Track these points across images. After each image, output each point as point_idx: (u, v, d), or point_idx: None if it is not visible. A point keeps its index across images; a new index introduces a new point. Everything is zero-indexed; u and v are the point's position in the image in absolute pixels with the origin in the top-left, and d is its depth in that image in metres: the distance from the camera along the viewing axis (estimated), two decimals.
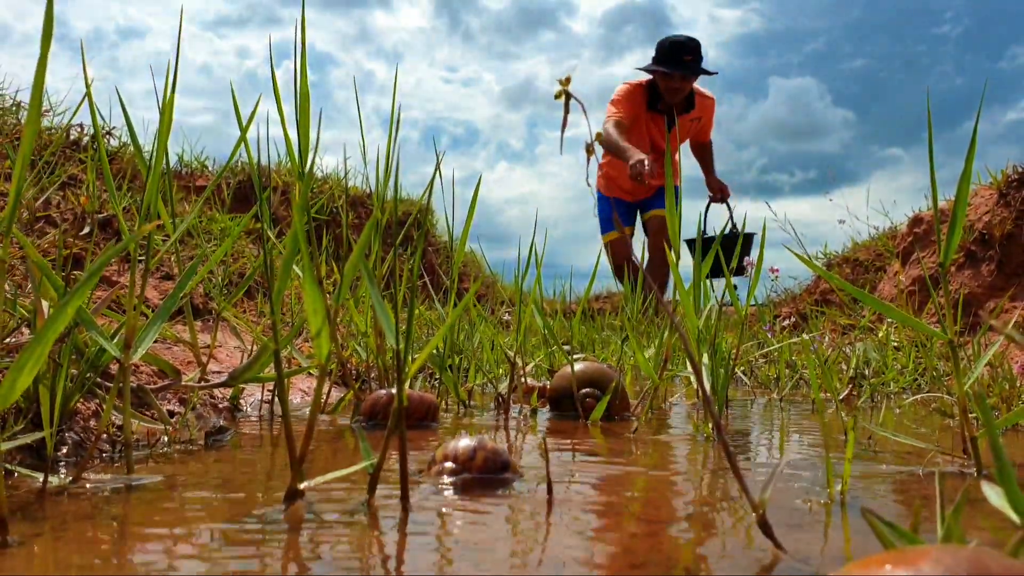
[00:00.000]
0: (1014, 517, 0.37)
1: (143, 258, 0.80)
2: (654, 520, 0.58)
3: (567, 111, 0.57)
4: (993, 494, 0.40)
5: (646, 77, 4.31)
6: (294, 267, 1.02)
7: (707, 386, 1.06)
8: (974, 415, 1.18)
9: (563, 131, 0.57)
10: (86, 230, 1.92)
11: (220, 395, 1.16)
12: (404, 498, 0.58)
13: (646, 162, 3.73)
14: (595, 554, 0.48)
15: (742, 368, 1.96)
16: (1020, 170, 2.61)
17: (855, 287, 0.82)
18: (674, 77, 4.17)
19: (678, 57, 4.21)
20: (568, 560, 0.47)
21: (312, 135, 0.79)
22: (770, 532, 0.48)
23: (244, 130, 0.97)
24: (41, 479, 0.63)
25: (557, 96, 0.57)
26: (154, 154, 0.68)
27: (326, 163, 7.34)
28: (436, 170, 1.08)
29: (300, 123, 0.88)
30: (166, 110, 0.71)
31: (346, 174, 4.02)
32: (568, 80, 0.57)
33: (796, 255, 0.98)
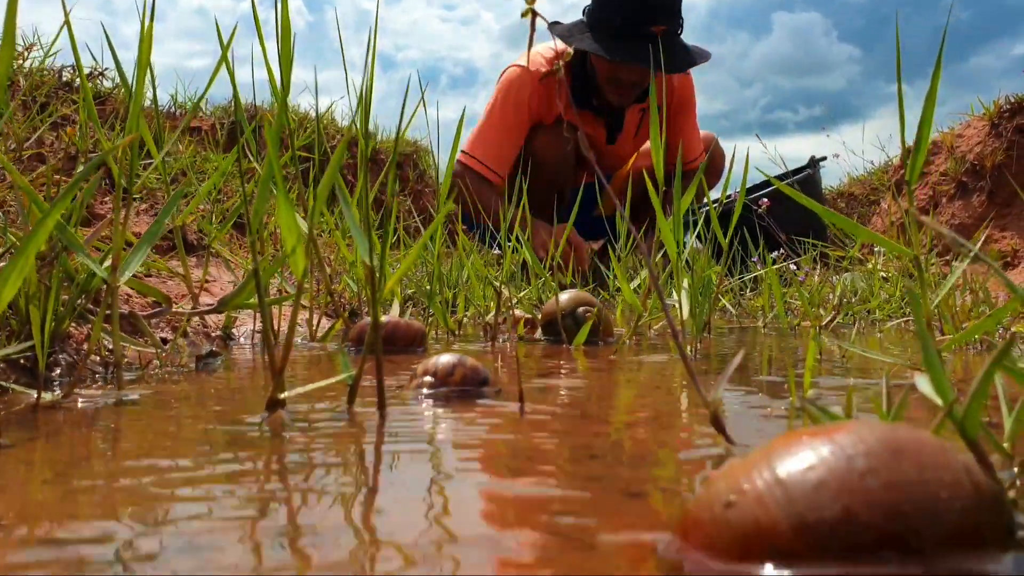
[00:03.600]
0: (938, 400, 0.40)
1: (133, 197, 0.81)
2: (618, 423, 0.60)
3: (533, 29, 0.59)
4: (922, 382, 0.42)
5: (563, 45, 2.45)
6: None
7: (685, 309, 1.08)
8: (950, 336, 1.21)
9: (530, 47, 0.59)
10: (79, 169, 1.93)
11: (213, 324, 1.19)
12: (381, 406, 0.61)
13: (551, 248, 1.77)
14: (557, 448, 0.51)
15: (730, 299, 1.99)
16: (1012, 101, 2.61)
17: (843, 215, 0.83)
18: (631, 69, 2.38)
19: (640, 25, 2.32)
20: (532, 453, 0.50)
21: (302, 72, 0.80)
22: (721, 427, 0.50)
23: (225, 49, 0.98)
24: (35, 395, 0.66)
25: (524, 15, 0.59)
26: (135, 77, 0.70)
27: (320, 104, 7.29)
28: (410, 100, 1.10)
29: (282, 52, 0.89)
30: (145, 38, 0.72)
31: (318, 109, 4.00)
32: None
33: (778, 184, 1.00)
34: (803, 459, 0.32)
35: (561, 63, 0.62)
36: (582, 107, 2.57)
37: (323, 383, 0.64)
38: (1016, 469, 0.46)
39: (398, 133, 0.71)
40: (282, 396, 0.60)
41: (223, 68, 0.86)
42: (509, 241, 1.37)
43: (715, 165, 2.67)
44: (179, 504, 0.38)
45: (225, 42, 0.84)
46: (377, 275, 0.62)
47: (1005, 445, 0.48)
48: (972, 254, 0.43)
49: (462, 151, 2.55)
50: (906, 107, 0.75)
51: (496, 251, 1.86)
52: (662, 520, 0.37)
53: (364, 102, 0.92)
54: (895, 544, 0.30)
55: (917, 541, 0.31)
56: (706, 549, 0.32)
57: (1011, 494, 0.40)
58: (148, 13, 0.72)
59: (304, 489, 0.41)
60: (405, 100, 0.74)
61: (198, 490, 0.41)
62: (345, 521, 0.36)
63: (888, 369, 0.86)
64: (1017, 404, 0.48)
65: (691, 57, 2.44)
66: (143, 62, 0.75)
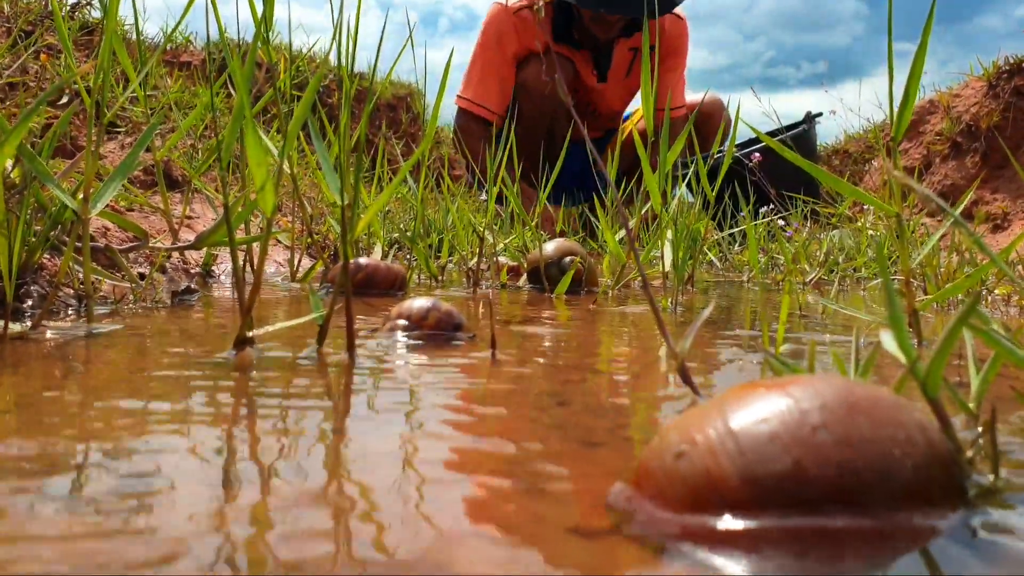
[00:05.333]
0: (901, 357, 0.39)
1: (117, 130, 0.80)
2: (590, 369, 0.60)
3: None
4: (887, 339, 0.42)
5: None
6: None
7: (668, 261, 1.08)
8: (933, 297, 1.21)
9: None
10: (63, 100, 1.91)
11: (193, 261, 1.18)
12: (350, 347, 0.61)
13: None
14: (526, 395, 0.51)
15: (716, 253, 1.98)
16: (1012, 61, 2.58)
17: (831, 173, 0.82)
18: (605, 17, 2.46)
19: None
20: (498, 399, 0.49)
21: (298, 10, 0.79)
22: (688, 378, 0.50)
23: None
24: (1, 325, 0.65)
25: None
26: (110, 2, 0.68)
27: (311, 41, 7.20)
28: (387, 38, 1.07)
29: None
30: None
31: (291, 43, 3.94)
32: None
33: (767, 140, 0.98)
34: (756, 411, 0.32)
35: (541, 3, 0.60)
36: (563, 41, 2.58)
37: (291, 322, 0.63)
38: (980, 428, 0.46)
39: (376, 59, 0.70)
40: (250, 334, 0.59)
41: (225, 7, 0.84)
42: (495, 185, 1.36)
43: (714, 126, 2.66)
44: (139, 435, 0.38)
45: None
46: (349, 213, 0.61)
47: (971, 405, 0.48)
48: (952, 218, 0.43)
49: (458, 95, 2.61)
50: (904, 65, 0.74)
51: (484, 198, 1.85)
52: (618, 469, 0.37)
53: (337, 31, 0.90)
54: (845, 499, 0.30)
55: (867, 497, 0.30)
56: (656, 499, 0.32)
57: (970, 453, 0.40)
58: None
59: (264, 426, 0.41)
60: (383, 34, 0.72)
61: (158, 424, 0.41)
62: (303, 460, 0.36)
63: (858, 325, 0.86)
64: (985, 364, 0.48)
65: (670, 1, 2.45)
66: None
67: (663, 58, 2.60)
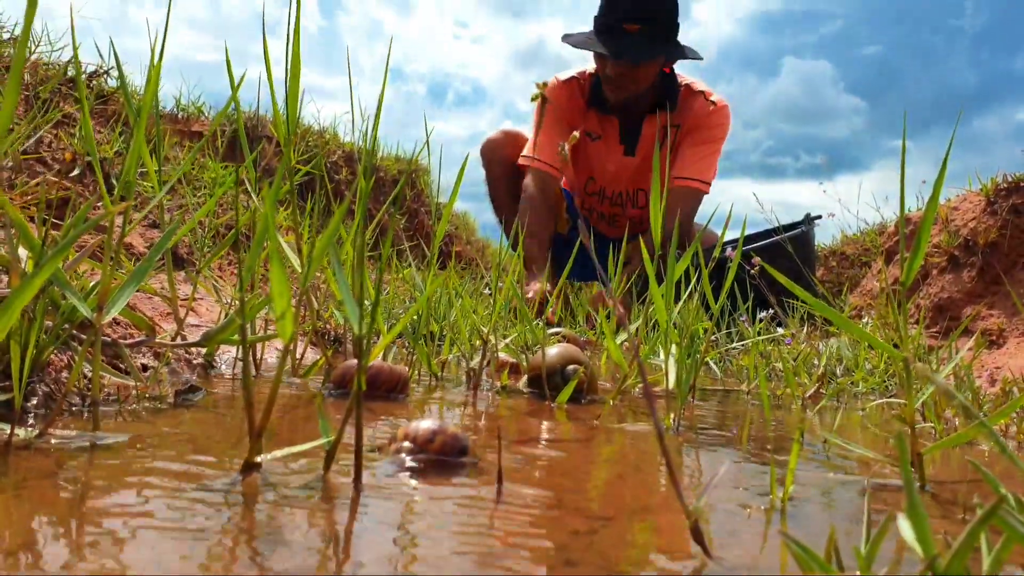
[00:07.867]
0: (920, 552, 0.39)
1: (129, 221, 0.81)
2: (596, 517, 0.60)
3: (541, 114, 0.59)
4: (905, 527, 0.42)
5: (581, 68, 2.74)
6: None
7: (671, 379, 1.08)
8: (930, 424, 1.21)
9: (537, 132, 0.59)
10: (76, 172, 1.93)
11: (195, 351, 1.18)
12: (357, 479, 0.60)
13: (537, 295, 1.70)
14: (533, 551, 0.50)
15: (713, 357, 1.98)
16: (1010, 180, 2.63)
17: (822, 302, 0.83)
18: (613, 64, 2.52)
19: (615, 23, 2.47)
20: (505, 553, 0.49)
21: (309, 76, 0.80)
22: (701, 540, 0.50)
23: (235, 90, 0.98)
24: (8, 431, 0.65)
25: (533, 99, 0.59)
26: (138, 114, 0.69)
27: (325, 115, 7.30)
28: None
29: (289, 95, 0.89)
30: (152, 77, 0.71)
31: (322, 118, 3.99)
32: (545, 84, 0.59)
33: (762, 263, 1.00)
34: None
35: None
36: (595, 106, 2.69)
37: (299, 448, 0.63)
38: None
39: (410, 166, 0.71)
40: (258, 459, 0.59)
41: (238, 71, 0.86)
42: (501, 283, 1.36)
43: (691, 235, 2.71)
44: None
45: (236, 81, 0.84)
46: (364, 345, 0.61)
47: None
48: (985, 428, 0.43)
49: (523, 156, 2.68)
50: (908, 163, 0.75)
51: (488, 292, 1.86)
52: None
53: (370, 142, 0.92)
54: None
55: None
56: None
57: None
58: (158, 52, 0.71)
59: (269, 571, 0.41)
60: (413, 160, 0.73)
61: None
62: None
63: (875, 469, 0.86)
64: (998, 544, 0.48)
65: (655, 51, 2.49)
66: (150, 92, 0.75)
67: (682, 136, 2.67)
